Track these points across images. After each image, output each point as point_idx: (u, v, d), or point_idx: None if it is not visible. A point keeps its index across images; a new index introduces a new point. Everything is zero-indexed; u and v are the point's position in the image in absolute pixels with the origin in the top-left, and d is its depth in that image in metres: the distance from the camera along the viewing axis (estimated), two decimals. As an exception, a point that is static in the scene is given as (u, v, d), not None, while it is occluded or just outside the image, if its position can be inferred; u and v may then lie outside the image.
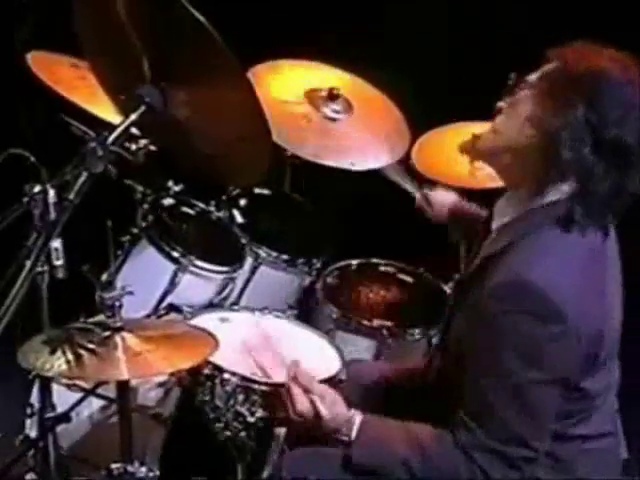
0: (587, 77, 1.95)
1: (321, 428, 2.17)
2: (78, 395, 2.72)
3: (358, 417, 2.16)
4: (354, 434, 2.14)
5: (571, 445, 2.09)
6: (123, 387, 2.33)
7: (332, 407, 2.18)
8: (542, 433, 2.02)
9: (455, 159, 3.28)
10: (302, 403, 2.18)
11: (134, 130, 2.28)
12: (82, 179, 1.96)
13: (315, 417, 2.17)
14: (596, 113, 1.92)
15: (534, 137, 1.99)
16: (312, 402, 2.18)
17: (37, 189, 2.09)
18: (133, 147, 2.89)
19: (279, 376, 2.57)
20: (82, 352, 2.17)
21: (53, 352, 2.15)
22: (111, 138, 2.01)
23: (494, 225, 2.13)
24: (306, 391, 2.21)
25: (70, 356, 2.15)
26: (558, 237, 1.99)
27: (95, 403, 2.83)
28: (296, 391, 2.21)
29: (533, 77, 2.03)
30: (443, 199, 2.76)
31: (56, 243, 2.09)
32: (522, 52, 2.08)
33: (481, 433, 1.99)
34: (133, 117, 2.05)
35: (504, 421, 1.98)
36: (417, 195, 2.90)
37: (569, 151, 1.93)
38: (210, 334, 2.33)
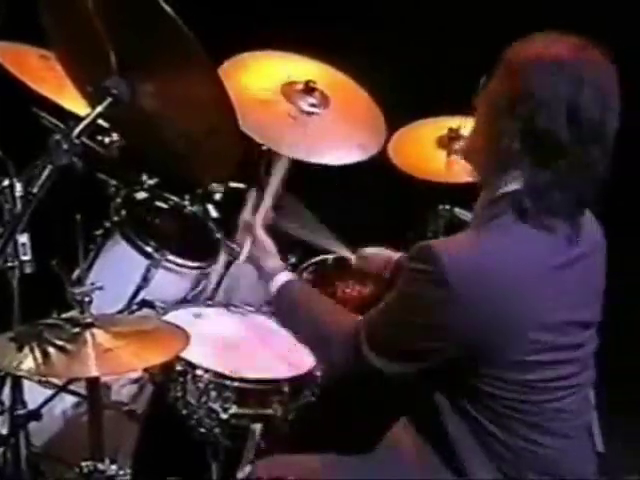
0: (535, 66, 1.94)
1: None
2: (50, 392, 2.69)
3: (284, 276, 2.35)
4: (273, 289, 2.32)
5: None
6: (93, 384, 2.30)
7: (262, 251, 2.41)
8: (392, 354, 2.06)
9: (432, 154, 3.30)
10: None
11: (103, 123, 2.26)
12: (47, 172, 1.93)
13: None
14: (525, 104, 1.93)
15: (484, 132, 2.03)
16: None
17: (5, 183, 2.06)
18: (106, 140, 2.88)
19: (252, 372, 2.56)
20: (51, 349, 2.14)
21: (20, 349, 2.12)
22: (76, 130, 1.97)
23: None
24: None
25: (38, 353, 2.12)
26: (507, 227, 1.99)
27: (68, 399, 2.80)
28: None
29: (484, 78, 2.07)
30: (379, 256, 2.80)
31: (23, 238, 2.06)
32: (504, 46, 2.07)
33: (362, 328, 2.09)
34: (99, 109, 2.02)
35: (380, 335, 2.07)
36: (352, 257, 2.89)
37: (508, 141, 1.95)
38: (181, 329, 2.31)
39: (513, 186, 1.99)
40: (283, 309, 2.34)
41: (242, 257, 2.42)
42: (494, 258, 1.96)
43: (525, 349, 1.98)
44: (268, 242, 2.43)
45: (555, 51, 1.95)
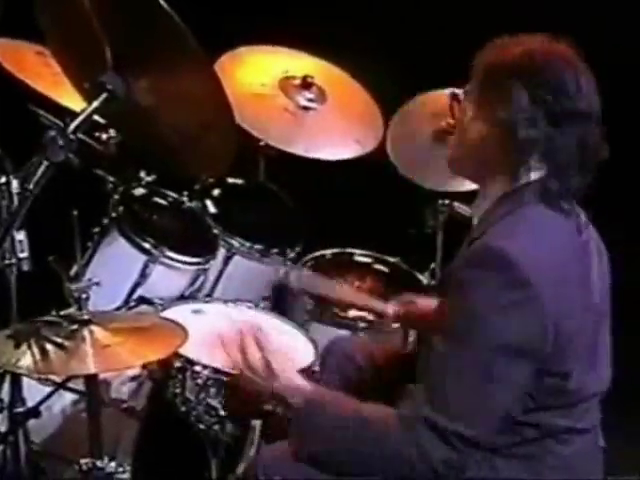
0: (518, 60, 1.98)
1: (270, 390, 2.10)
2: (49, 389, 2.69)
3: (309, 386, 2.10)
4: (301, 401, 2.06)
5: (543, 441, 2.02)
6: (91, 381, 2.30)
7: (283, 371, 2.12)
8: (489, 417, 1.93)
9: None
10: (253, 354, 2.10)
11: (100, 120, 2.25)
12: (42, 169, 1.92)
13: (267, 372, 2.09)
14: (539, 89, 1.95)
15: (483, 130, 2.01)
16: (264, 358, 2.10)
17: (2, 180, 2.05)
18: (103, 137, 2.88)
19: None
20: (49, 346, 2.14)
21: (18, 347, 2.12)
22: (72, 126, 1.97)
23: (474, 221, 2.13)
24: (260, 348, 2.12)
25: (36, 350, 2.12)
26: (540, 213, 2.00)
27: (67, 397, 2.79)
28: (249, 342, 2.12)
29: (468, 85, 2.07)
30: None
31: (20, 235, 2.05)
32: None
33: (423, 404, 1.92)
34: (95, 105, 2.01)
35: (452, 394, 1.91)
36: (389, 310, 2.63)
37: (524, 130, 1.95)
38: (180, 326, 2.30)
39: (531, 176, 1.99)
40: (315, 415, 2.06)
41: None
42: (546, 246, 1.96)
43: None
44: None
45: (542, 43, 2.00)
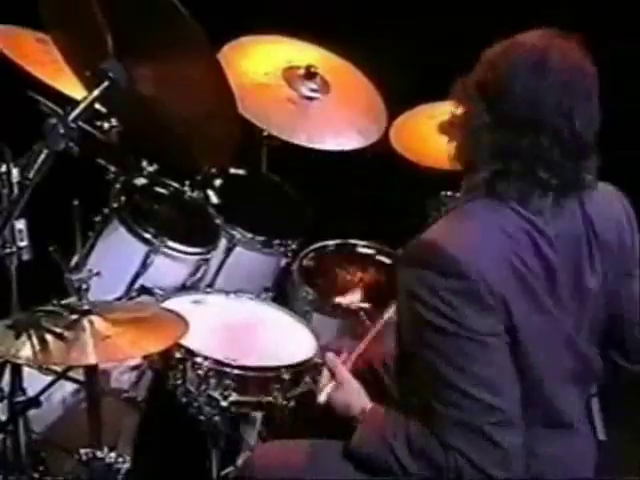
0: (486, 54, 2.00)
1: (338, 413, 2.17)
2: (49, 379, 2.68)
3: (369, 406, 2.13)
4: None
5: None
6: (91, 371, 2.29)
7: (347, 395, 2.16)
8: (501, 391, 1.94)
9: (433, 140, 3.28)
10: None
11: (102, 109, 2.24)
12: (43, 157, 1.90)
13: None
14: (487, 87, 1.96)
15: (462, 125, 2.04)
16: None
17: (2, 169, 2.04)
18: (105, 126, 2.86)
19: (252, 359, 2.54)
20: (49, 336, 2.13)
21: (18, 336, 2.11)
22: (73, 115, 1.95)
23: None
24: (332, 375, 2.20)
25: (36, 341, 2.11)
26: (482, 206, 2.00)
27: (67, 386, 2.78)
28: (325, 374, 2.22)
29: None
30: None
31: (20, 224, 2.04)
32: (503, 31, 2.06)
33: (443, 410, 1.94)
34: (96, 93, 1.99)
35: (459, 388, 1.92)
36: None
37: (473, 122, 1.98)
38: (180, 316, 2.29)
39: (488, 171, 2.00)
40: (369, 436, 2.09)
41: (322, 397, 2.21)
42: (482, 239, 1.97)
43: None
44: (355, 384, 2.19)
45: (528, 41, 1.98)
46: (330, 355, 2.27)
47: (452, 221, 2.04)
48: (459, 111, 2.04)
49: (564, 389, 2.07)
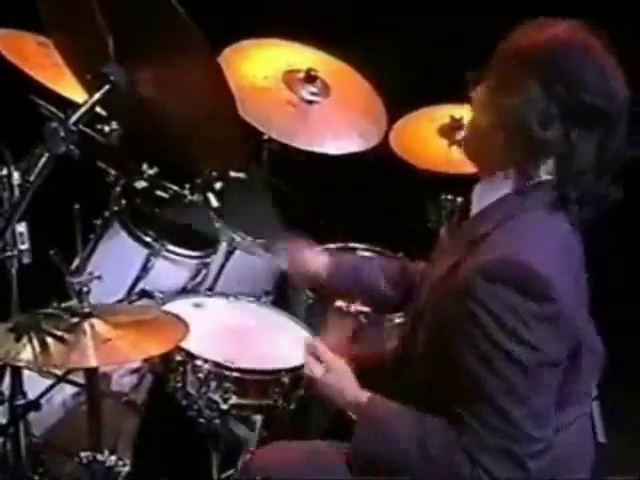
0: (535, 47, 1.90)
1: (330, 399, 2.13)
2: (49, 381, 2.68)
3: (365, 395, 2.08)
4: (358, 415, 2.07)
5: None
6: (91, 374, 2.29)
7: (339, 379, 2.12)
8: (547, 422, 1.92)
9: (433, 143, 3.29)
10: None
11: (102, 112, 2.24)
12: (43, 160, 1.91)
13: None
14: (555, 83, 1.87)
15: (494, 121, 1.95)
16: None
17: (3, 172, 2.04)
18: (106, 129, 2.86)
19: (252, 362, 2.55)
20: (49, 339, 2.12)
21: (19, 339, 2.11)
22: (74, 118, 1.95)
23: (474, 210, 2.09)
24: (318, 359, 2.15)
25: (36, 343, 2.11)
26: (543, 218, 1.95)
27: (67, 389, 2.79)
28: (308, 359, 2.16)
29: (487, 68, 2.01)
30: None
31: (21, 227, 2.05)
32: (501, 35, 2.05)
33: (485, 432, 1.89)
34: (97, 96, 2.00)
35: (506, 414, 1.88)
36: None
37: (535, 125, 1.89)
38: (181, 320, 2.29)
39: (542, 176, 1.94)
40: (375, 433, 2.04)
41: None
42: (560, 260, 1.92)
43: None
44: (343, 364, 2.15)
45: (567, 31, 1.93)
46: (308, 339, 2.23)
47: (527, 236, 1.94)
48: (509, 102, 1.91)
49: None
